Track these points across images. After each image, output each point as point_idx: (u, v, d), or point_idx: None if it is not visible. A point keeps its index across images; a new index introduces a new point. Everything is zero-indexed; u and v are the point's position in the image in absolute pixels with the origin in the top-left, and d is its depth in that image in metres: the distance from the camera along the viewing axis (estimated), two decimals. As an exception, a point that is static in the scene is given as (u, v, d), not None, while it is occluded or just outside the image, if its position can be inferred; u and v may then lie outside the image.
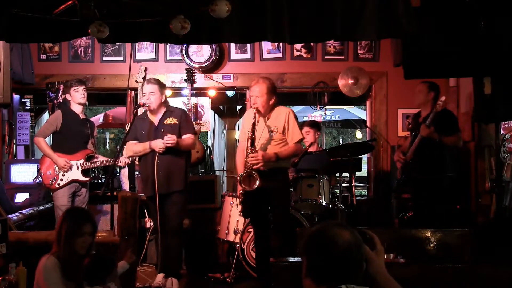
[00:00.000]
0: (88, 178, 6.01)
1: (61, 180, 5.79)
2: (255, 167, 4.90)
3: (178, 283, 5.39)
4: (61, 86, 6.74)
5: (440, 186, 5.53)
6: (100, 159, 6.03)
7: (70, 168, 5.82)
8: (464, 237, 3.94)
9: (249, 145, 4.94)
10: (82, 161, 5.89)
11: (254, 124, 4.94)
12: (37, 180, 5.99)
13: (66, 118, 5.89)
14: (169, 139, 5.27)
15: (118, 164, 5.98)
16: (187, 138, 5.46)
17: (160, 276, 5.44)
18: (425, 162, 5.53)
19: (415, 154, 5.59)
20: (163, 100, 5.47)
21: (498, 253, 3.58)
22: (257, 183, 4.88)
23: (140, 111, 5.53)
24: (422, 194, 5.62)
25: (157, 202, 5.33)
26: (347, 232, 2.05)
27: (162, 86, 5.51)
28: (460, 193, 6.36)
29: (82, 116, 6.01)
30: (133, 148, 5.48)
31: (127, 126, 5.70)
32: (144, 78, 6.61)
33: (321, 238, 2.07)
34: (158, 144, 5.31)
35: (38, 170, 5.94)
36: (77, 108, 5.96)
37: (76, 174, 5.85)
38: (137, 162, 5.86)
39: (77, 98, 5.93)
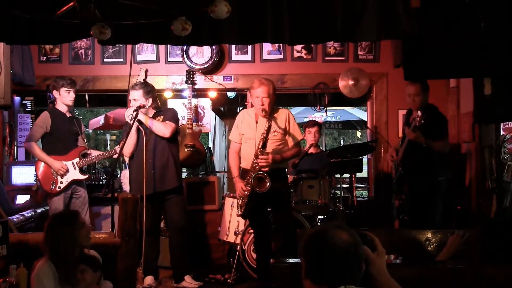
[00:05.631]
0: (87, 176, 6.01)
1: (61, 183, 5.77)
2: (263, 169, 4.97)
3: (191, 277, 5.61)
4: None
5: (432, 188, 5.45)
6: (94, 154, 6.04)
7: (67, 170, 5.79)
8: (465, 238, 3.93)
9: (260, 146, 4.99)
10: (77, 159, 5.87)
11: (269, 127, 5.00)
12: (37, 186, 5.94)
13: (54, 119, 5.85)
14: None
15: (114, 157, 5.99)
16: (164, 122, 5.54)
17: (149, 279, 5.48)
18: (415, 165, 5.47)
19: (404, 156, 5.55)
20: (149, 104, 5.56)
21: (498, 254, 3.58)
22: (268, 184, 4.94)
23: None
24: (415, 196, 5.57)
25: (144, 201, 5.36)
26: (345, 233, 2.07)
27: (148, 91, 5.56)
28: (460, 194, 6.35)
29: (68, 115, 5.98)
30: (126, 143, 5.45)
31: (124, 129, 5.68)
32: (144, 80, 6.63)
33: (320, 240, 2.08)
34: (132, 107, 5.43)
35: (36, 177, 5.88)
36: (63, 107, 5.93)
37: (74, 173, 5.84)
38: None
39: (66, 99, 5.88)
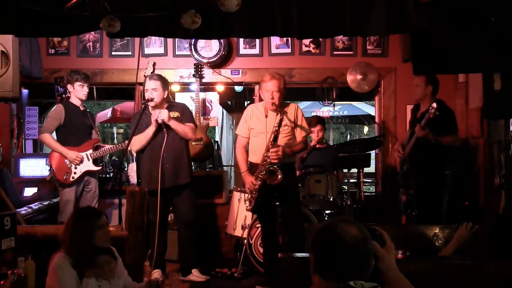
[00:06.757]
0: (100, 167, 6.08)
1: (75, 173, 5.83)
2: (274, 161, 4.98)
3: (198, 271, 5.65)
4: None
5: (439, 182, 5.44)
6: (108, 146, 6.10)
7: (82, 160, 5.84)
8: (473, 234, 3.91)
9: (271, 139, 4.99)
10: (91, 151, 5.93)
11: (281, 120, 5.01)
12: (51, 177, 5.97)
13: (68, 111, 5.92)
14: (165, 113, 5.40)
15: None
16: (187, 125, 5.54)
17: (156, 272, 5.50)
18: (422, 160, 5.45)
19: (412, 152, 5.53)
20: (165, 96, 5.55)
21: (507, 250, 3.56)
22: (280, 177, 4.96)
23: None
24: (422, 191, 5.56)
25: (158, 195, 5.37)
26: (354, 228, 2.05)
27: (164, 82, 5.57)
28: (468, 190, 6.33)
29: (82, 108, 6.05)
30: (137, 139, 5.48)
31: (132, 121, 5.72)
32: (152, 73, 6.62)
33: (328, 234, 2.06)
34: (163, 114, 5.36)
35: (50, 167, 5.93)
36: (76, 101, 6.00)
37: (87, 165, 5.89)
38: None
39: (79, 93, 5.96)
